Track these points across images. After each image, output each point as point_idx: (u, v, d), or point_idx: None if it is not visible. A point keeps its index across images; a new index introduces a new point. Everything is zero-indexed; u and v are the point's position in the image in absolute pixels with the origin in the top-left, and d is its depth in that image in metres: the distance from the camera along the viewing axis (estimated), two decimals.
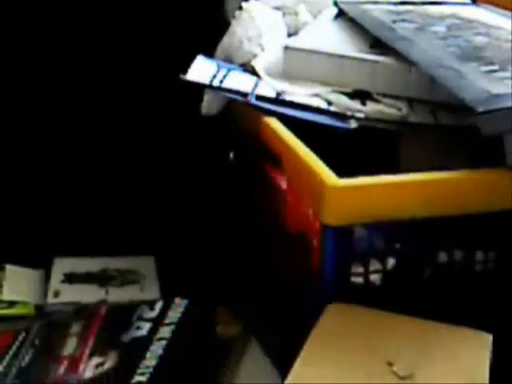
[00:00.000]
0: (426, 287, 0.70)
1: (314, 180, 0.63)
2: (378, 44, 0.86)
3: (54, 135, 0.98)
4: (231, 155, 0.96)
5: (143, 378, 0.68)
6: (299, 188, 0.69)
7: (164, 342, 0.72)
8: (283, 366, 0.74)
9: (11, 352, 0.76)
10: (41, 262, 0.94)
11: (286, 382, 0.58)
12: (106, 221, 0.97)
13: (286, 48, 0.83)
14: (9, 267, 0.93)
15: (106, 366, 0.71)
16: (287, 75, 0.83)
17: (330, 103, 0.79)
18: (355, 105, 0.79)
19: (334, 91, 0.81)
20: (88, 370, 0.71)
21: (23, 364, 0.74)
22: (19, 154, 0.97)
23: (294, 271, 0.74)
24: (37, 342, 0.77)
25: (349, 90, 0.81)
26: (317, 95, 0.80)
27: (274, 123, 0.74)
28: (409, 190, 0.64)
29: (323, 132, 0.76)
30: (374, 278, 0.69)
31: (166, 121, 0.97)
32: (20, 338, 0.78)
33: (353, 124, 0.77)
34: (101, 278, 0.91)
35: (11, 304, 0.88)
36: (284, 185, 0.74)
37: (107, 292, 0.89)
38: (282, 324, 0.80)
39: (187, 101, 0.87)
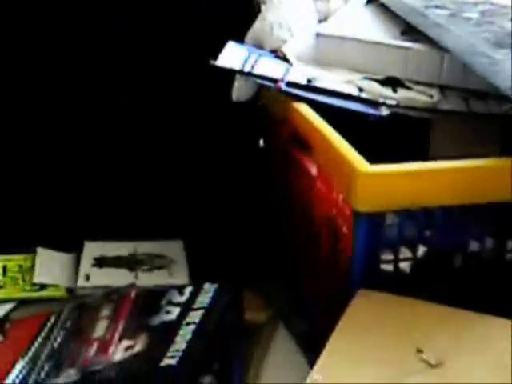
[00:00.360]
0: (456, 276, 0.69)
1: (346, 167, 0.63)
2: (409, 30, 0.85)
3: (89, 119, 0.98)
4: (261, 142, 0.96)
5: (173, 362, 0.68)
6: (330, 174, 0.69)
7: (193, 327, 0.72)
8: (312, 352, 0.74)
9: (43, 334, 0.77)
10: (71, 246, 0.95)
11: (314, 369, 0.58)
12: (136, 205, 0.97)
13: (318, 34, 0.83)
14: (40, 250, 0.94)
15: (136, 349, 0.72)
16: (318, 61, 0.82)
17: (361, 90, 0.79)
18: (387, 92, 0.79)
19: (365, 78, 0.80)
20: (118, 352, 0.71)
21: (54, 346, 0.75)
22: (52, 137, 0.98)
23: (322, 257, 0.74)
24: (67, 324, 0.78)
25: (380, 76, 0.80)
26: (348, 82, 0.80)
27: (305, 109, 0.74)
28: (440, 178, 0.64)
29: (354, 119, 0.76)
30: (404, 265, 0.69)
31: (196, 106, 0.97)
32: (51, 320, 0.79)
33: (384, 111, 0.77)
34: (130, 262, 0.92)
35: (42, 287, 0.89)
36: (314, 171, 0.73)
37: (136, 276, 0.89)
38: (311, 310, 0.80)
39: (218, 87, 0.87)
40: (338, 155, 0.64)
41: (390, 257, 0.67)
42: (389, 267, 0.68)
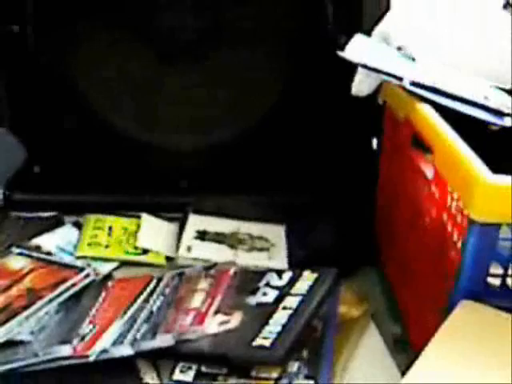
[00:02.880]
0: None
1: (466, 174, 0.62)
2: None
3: None
4: (374, 143, 0.96)
5: (265, 343, 0.69)
6: (447, 179, 0.67)
7: (289, 312, 0.73)
8: (400, 355, 0.74)
9: (142, 297, 0.79)
10: (175, 217, 0.98)
11: (409, 372, 0.58)
12: (244, 187, 0.98)
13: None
14: (145, 216, 0.97)
15: (230, 325, 0.73)
16: (446, 64, 0.81)
17: (486, 98, 0.77)
18: None
19: (492, 86, 0.79)
20: (212, 325, 0.73)
21: (153, 309, 0.77)
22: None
23: (427, 262, 0.73)
24: (167, 291, 0.80)
25: (508, 86, 0.79)
26: (474, 88, 0.78)
27: (428, 111, 0.73)
28: None
29: (476, 125, 0.75)
30: None
31: (314, 97, 0.97)
32: (152, 284, 0.81)
33: (508, 121, 0.75)
34: (231, 240, 0.93)
35: (144, 252, 0.92)
36: (430, 174, 0.73)
37: (236, 255, 0.91)
38: (406, 313, 0.79)
39: (339, 79, 0.87)
40: (460, 161, 0.63)
41: (499, 271, 0.66)
42: (496, 281, 0.66)
